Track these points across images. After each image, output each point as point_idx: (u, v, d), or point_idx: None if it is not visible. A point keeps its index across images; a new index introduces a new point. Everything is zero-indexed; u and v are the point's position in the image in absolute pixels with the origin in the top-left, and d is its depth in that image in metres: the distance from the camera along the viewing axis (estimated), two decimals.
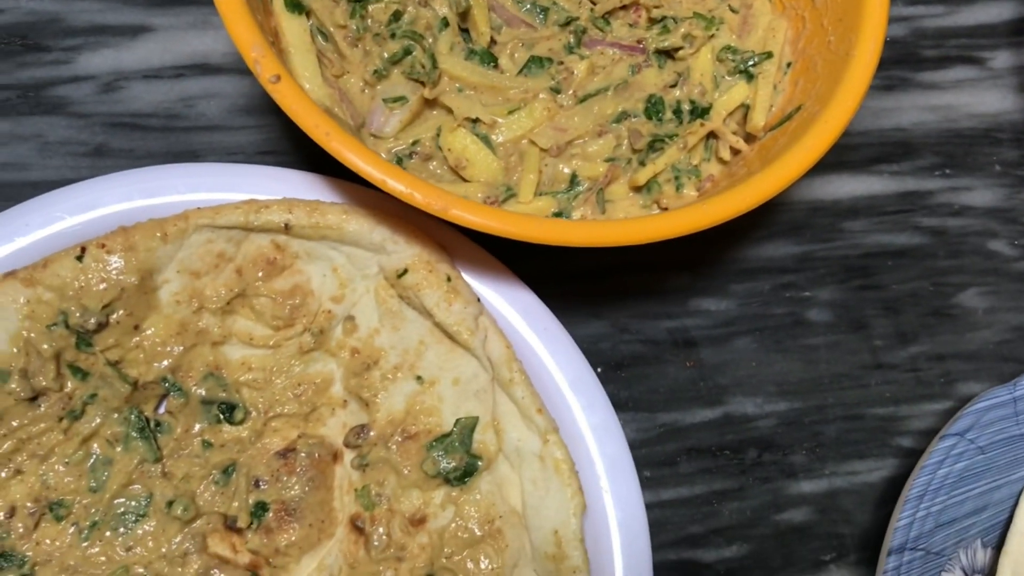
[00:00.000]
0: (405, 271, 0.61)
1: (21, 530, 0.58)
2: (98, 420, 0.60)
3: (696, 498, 0.69)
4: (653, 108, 0.68)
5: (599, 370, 0.70)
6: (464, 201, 0.55)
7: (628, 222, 0.56)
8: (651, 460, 0.68)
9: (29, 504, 0.58)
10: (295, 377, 0.63)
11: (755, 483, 0.70)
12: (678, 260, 0.73)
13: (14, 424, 0.58)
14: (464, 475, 0.60)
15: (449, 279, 0.61)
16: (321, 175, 0.63)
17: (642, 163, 0.66)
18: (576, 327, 0.70)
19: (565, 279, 0.70)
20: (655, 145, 0.67)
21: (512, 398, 0.60)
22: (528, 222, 0.55)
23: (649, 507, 0.67)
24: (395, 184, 0.54)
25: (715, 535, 0.68)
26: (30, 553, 0.58)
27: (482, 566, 0.59)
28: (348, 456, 0.62)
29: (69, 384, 0.59)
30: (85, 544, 0.59)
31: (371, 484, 0.61)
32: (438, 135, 0.65)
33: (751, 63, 0.70)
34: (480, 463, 0.60)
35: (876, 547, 0.68)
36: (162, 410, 0.62)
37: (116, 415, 0.60)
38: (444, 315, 0.60)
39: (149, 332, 0.60)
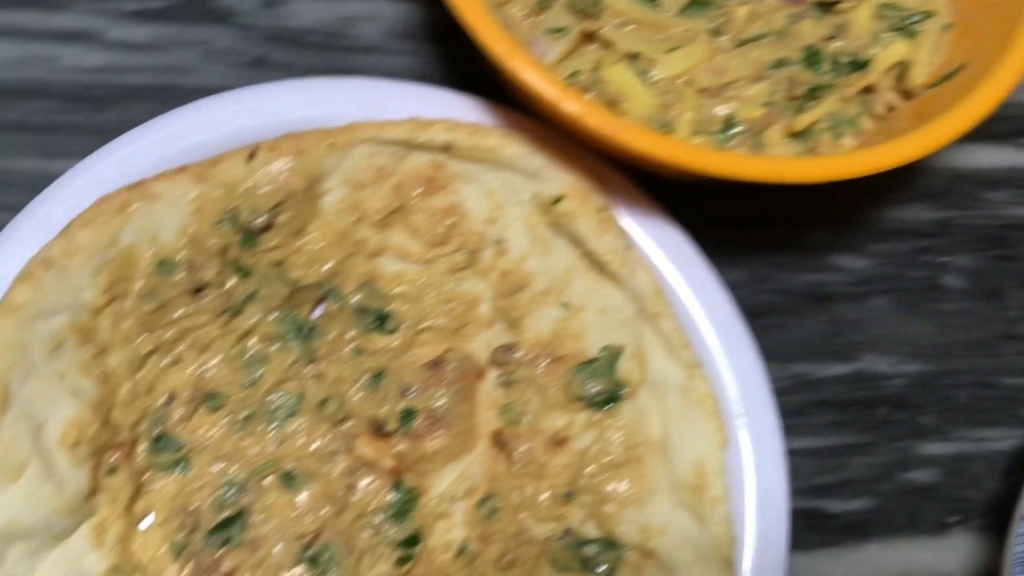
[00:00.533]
0: (560, 198, 0.61)
1: (178, 416, 0.60)
2: (256, 318, 0.61)
3: (825, 449, 0.69)
4: (811, 58, 0.68)
5: None
6: (637, 127, 0.55)
7: (812, 159, 0.57)
8: (782, 409, 0.67)
9: (187, 392, 0.60)
10: (446, 293, 0.64)
11: (884, 440, 0.69)
12: (818, 215, 0.73)
13: (177, 314, 0.60)
14: (608, 400, 0.60)
15: (602, 210, 0.61)
16: (479, 98, 0.64)
17: (799, 111, 0.66)
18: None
19: (706, 224, 0.69)
20: (813, 94, 0.66)
21: (658, 331, 0.61)
22: (701, 152, 0.56)
23: None
24: (569, 104, 0.55)
25: (842, 487, 0.68)
26: (186, 439, 0.60)
27: (622, 489, 0.59)
28: (491, 375, 0.63)
29: (230, 281, 0.61)
30: (238, 436, 0.61)
31: (515, 402, 0.62)
32: (595, 69, 0.66)
33: (911, 21, 0.69)
34: (624, 391, 0.60)
35: (1002, 514, 0.68)
36: (316, 314, 0.63)
37: (274, 315, 0.62)
38: (596, 244, 0.61)
39: (311, 237, 0.62)
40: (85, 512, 0.56)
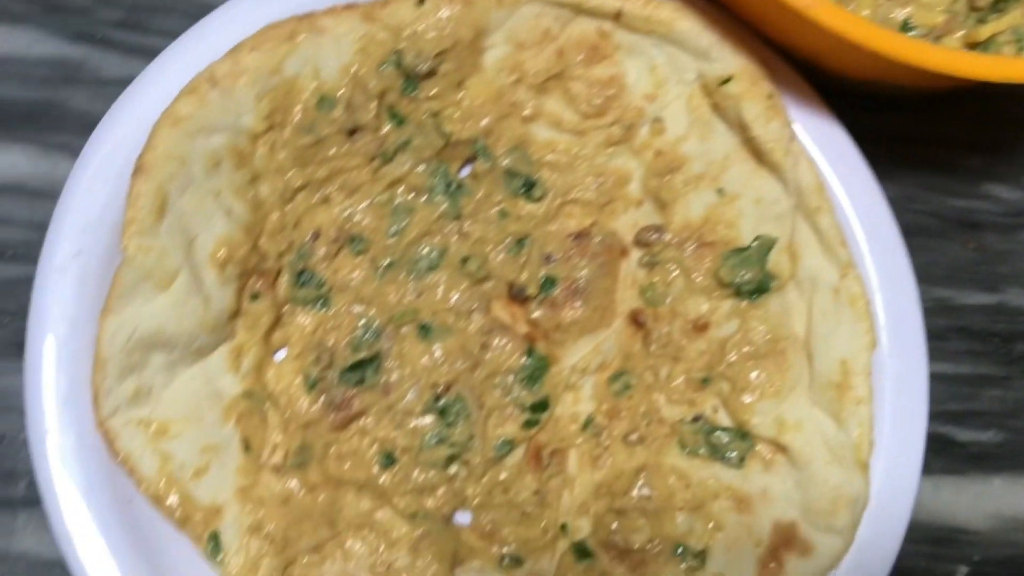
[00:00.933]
0: (728, 79, 0.59)
1: (322, 254, 0.60)
2: (406, 167, 0.60)
3: (959, 377, 0.67)
4: None
5: None
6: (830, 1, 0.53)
7: (997, 58, 0.54)
8: None
9: (333, 232, 0.60)
10: (596, 167, 0.62)
11: (1020, 376, 0.67)
12: (976, 141, 0.71)
13: (330, 153, 0.59)
14: (757, 290, 0.59)
15: (771, 96, 0.60)
16: None
17: (981, 21, 0.63)
18: None
19: (863, 137, 0.67)
20: (997, 6, 0.64)
21: (816, 227, 0.59)
22: (890, 34, 0.53)
23: None
24: None
25: (973, 417, 0.66)
26: (328, 277, 0.59)
27: (761, 380, 0.58)
28: (634, 255, 0.62)
29: (385, 127, 0.60)
30: (379, 282, 0.60)
31: (658, 283, 0.60)
32: None
33: None
34: (774, 283, 0.59)
35: None
36: (464, 173, 0.62)
37: (424, 167, 0.61)
38: (761, 131, 0.59)
39: (469, 92, 0.61)
40: (226, 333, 0.56)
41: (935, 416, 0.66)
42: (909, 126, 0.70)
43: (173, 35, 0.60)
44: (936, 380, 0.65)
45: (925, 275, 0.67)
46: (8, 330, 0.62)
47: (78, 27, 0.66)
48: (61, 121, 0.65)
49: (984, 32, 0.62)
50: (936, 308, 0.68)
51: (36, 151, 0.65)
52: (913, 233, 0.67)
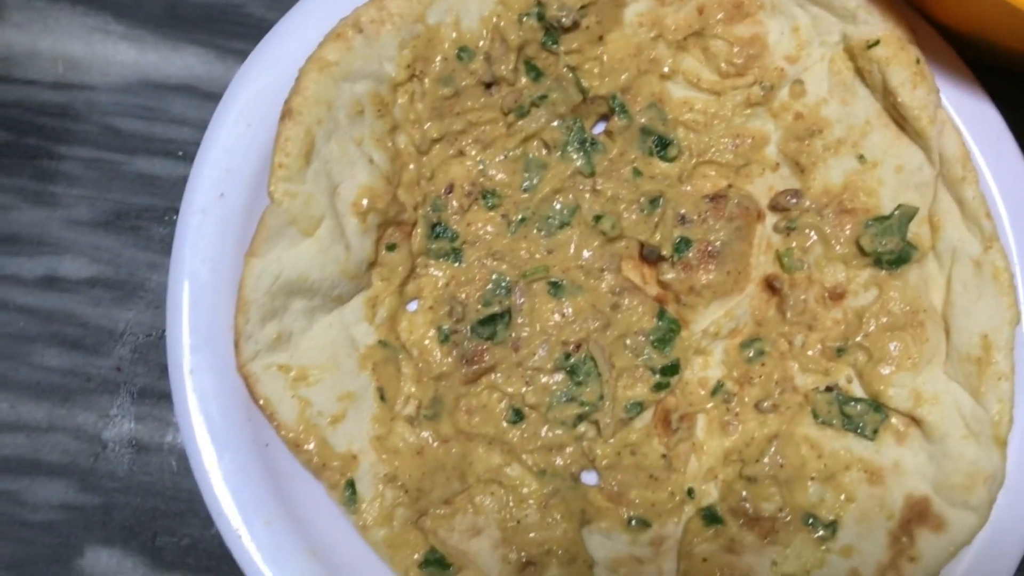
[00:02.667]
0: (875, 43, 0.58)
1: (455, 207, 0.59)
2: (541, 122, 0.60)
3: None
4: None
5: None
6: None
7: None
8: None
9: (466, 185, 0.59)
10: (734, 128, 0.61)
11: None
12: None
13: (467, 105, 0.58)
14: (897, 260, 0.57)
15: (918, 62, 0.58)
16: None
17: None
18: None
19: (1008, 110, 0.64)
20: None
21: (959, 197, 0.57)
22: None
23: None
24: None
25: None
26: (461, 231, 0.59)
27: (899, 352, 0.57)
28: (770, 219, 0.61)
29: (522, 81, 0.59)
30: (510, 237, 0.59)
31: (794, 249, 0.59)
32: None
33: None
34: (915, 253, 0.57)
35: None
36: (598, 130, 0.61)
37: (559, 122, 0.60)
38: (906, 97, 0.57)
39: (609, 47, 0.59)
40: (363, 282, 0.56)
41: None
42: None
43: None
44: None
45: None
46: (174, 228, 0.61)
47: None
48: (237, 26, 0.66)
49: None
50: None
51: (211, 54, 0.66)
52: None
